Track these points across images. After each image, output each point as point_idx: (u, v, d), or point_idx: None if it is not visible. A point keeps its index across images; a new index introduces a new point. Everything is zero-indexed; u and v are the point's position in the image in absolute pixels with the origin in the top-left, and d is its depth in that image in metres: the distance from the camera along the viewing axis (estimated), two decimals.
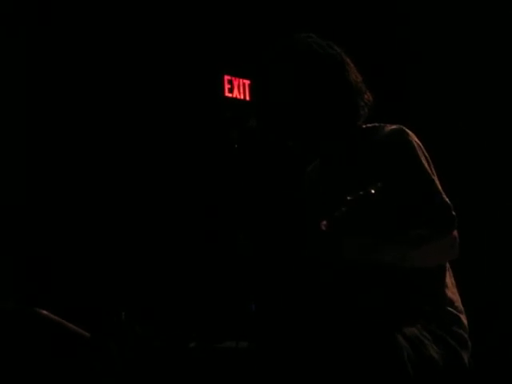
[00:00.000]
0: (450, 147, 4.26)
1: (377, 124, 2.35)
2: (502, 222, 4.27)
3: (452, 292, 2.26)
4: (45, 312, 2.53)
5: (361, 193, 1.95)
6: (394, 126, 2.29)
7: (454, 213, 2.16)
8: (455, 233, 2.18)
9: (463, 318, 2.24)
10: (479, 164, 4.35)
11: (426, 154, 2.26)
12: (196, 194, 3.99)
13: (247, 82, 4.31)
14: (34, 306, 2.55)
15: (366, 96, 2.35)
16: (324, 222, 2.07)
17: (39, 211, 3.56)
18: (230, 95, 4.27)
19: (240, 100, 4.27)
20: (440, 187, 2.20)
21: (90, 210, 3.67)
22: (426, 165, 2.22)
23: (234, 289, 3.49)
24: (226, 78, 4.28)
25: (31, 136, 3.63)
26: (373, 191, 1.94)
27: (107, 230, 3.66)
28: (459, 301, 2.27)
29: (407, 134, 2.25)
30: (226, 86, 4.27)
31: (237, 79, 4.30)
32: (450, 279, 2.28)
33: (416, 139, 2.26)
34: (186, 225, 3.92)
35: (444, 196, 2.18)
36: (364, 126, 2.37)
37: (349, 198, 1.97)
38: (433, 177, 2.21)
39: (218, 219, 3.90)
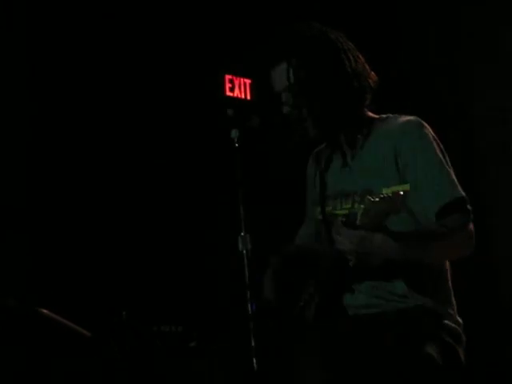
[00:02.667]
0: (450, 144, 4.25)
1: (391, 115, 2.33)
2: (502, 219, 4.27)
3: (448, 288, 2.26)
4: (46, 311, 2.53)
5: (389, 194, 1.90)
6: (409, 117, 2.26)
7: (469, 207, 2.14)
8: (471, 227, 2.16)
9: (456, 312, 2.24)
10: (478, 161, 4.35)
11: (442, 146, 2.24)
12: (197, 193, 3.99)
13: (248, 81, 4.31)
14: (35, 306, 2.55)
15: (369, 78, 2.32)
16: (342, 218, 2.05)
17: (39, 211, 3.56)
18: (231, 94, 4.27)
19: (241, 99, 4.27)
20: (456, 180, 2.19)
21: (90, 210, 3.67)
22: (442, 156, 2.20)
23: (234, 288, 3.49)
24: (227, 77, 4.28)
25: (31, 137, 3.63)
26: (401, 193, 1.89)
27: (108, 230, 3.66)
28: (453, 295, 2.27)
29: (423, 125, 2.23)
30: (227, 85, 4.27)
31: (238, 78, 4.30)
32: (448, 275, 2.28)
33: (431, 131, 2.24)
34: (186, 224, 3.92)
35: (460, 189, 2.17)
36: (377, 116, 2.35)
37: (372, 199, 1.91)
38: (448, 169, 2.19)
39: (218, 218, 3.90)
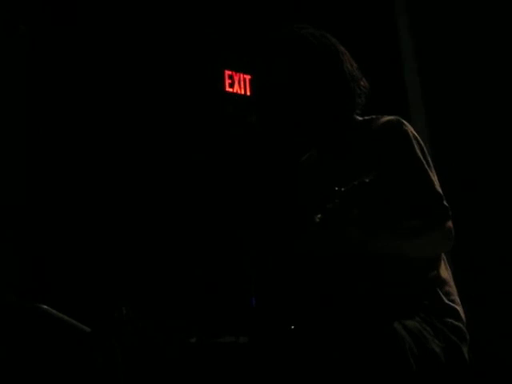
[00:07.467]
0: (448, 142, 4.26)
1: (374, 116, 2.36)
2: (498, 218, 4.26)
3: (449, 285, 2.26)
4: (45, 307, 2.53)
5: (355, 183, 1.95)
6: (390, 117, 2.30)
7: (446, 203, 2.16)
8: (450, 224, 2.18)
9: (461, 310, 2.24)
10: (476, 159, 4.34)
11: (423, 144, 2.27)
12: (197, 189, 3.99)
13: (248, 77, 4.31)
14: (34, 302, 2.55)
15: (362, 83, 2.36)
16: (318, 215, 2.07)
17: (39, 207, 3.56)
18: (230, 90, 4.27)
19: (241, 95, 4.28)
20: (434, 178, 2.21)
21: (91, 206, 3.67)
22: (421, 155, 2.22)
23: (234, 284, 3.50)
24: (227, 72, 4.28)
25: (31, 136, 3.63)
26: (367, 180, 1.95)
27: (108, 226, 3.66)
28: (456, 293, 2.27)
29: (403, 124, 2.27)
30: (227, 81, 4.27)
31: (237, 74, 4.30)
32: (447, 272, 2.28)
33: (412, 130, 2.27)
34: (186, 220, 3.92)
35: (437, 187, 2.19)
36: (361, 119, 2.37)
37: (342, 189, 1.97)
38: (426, 167, 2.21)
39: (218, 214, 3.90)
